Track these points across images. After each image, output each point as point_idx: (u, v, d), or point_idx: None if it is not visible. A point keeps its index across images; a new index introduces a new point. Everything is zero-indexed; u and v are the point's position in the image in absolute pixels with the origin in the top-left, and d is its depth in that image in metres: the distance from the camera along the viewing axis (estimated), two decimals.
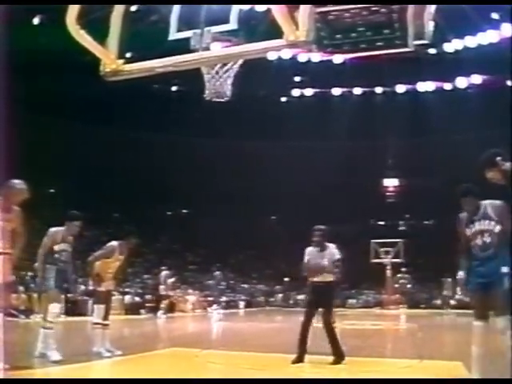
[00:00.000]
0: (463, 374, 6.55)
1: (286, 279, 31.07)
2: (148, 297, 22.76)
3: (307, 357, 7.89)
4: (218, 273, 19.52)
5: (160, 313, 19.13)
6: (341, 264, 7.99)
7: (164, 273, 19.88)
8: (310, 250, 7.86)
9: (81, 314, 16.78)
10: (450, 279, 27.32)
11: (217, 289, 19.70)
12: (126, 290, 22.52)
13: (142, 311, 21.52)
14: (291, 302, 30.32)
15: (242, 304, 27.72)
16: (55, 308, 7.45)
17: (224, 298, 28.25)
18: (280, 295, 31.32)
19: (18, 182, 6.44)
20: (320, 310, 8.25)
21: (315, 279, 7.76)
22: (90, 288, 10.68)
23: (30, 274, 20.34)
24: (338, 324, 8.79)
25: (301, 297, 27.32)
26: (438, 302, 29.38)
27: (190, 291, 24.99)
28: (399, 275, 28.61)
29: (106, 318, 8.17)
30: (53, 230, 7.66)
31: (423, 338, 13.19)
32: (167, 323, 17.20)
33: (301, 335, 7.63)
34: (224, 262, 31.89)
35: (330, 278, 7.75)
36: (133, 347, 9.14)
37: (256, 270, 32.10)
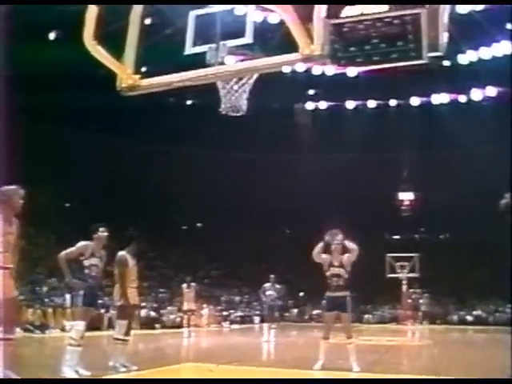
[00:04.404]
0: None
1: (301, 294, 30.88)
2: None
3: (324, 373, 7.82)
4: (267, 285, 16.40)
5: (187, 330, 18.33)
6: None
7: (185, 285, 19.28)
8: None
9: (95, 329, 16.77)
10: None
11: (272, 305, 16.40)
12: (142, 304, 22.52)
13: (157, 326, 21.48)
14: (306, 317, 30.09)
15: (256, 319, 27.56)
16: (80, 325, 7.42)
17: (239, 313, 28.15)
18: (295, 310, 31.10)
19: (16, 188, 5.98)
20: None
21: None
22: (113, 302, 10.46)
23: (44, 288, 20.51)
24: (354, 340, 8.69)
25: (316, 311, 27.16)
26: (455, 317, 29.05)
27: (205, 306, 24.93)
28: (415, 290, 28.30)
29: (127, 333, 8.12)
30: (82, 243, 7.67)
31: (439, 354, 13.03)
32: (183, 338, 17.15)
33: None
34: (238, 277, 31.84)
35: None
36: (148, 362, 9.11)
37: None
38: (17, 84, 13.08)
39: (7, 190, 5.90)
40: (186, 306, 18.74)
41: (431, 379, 6.36)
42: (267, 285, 16.30)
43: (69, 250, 7.57)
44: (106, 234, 7.78)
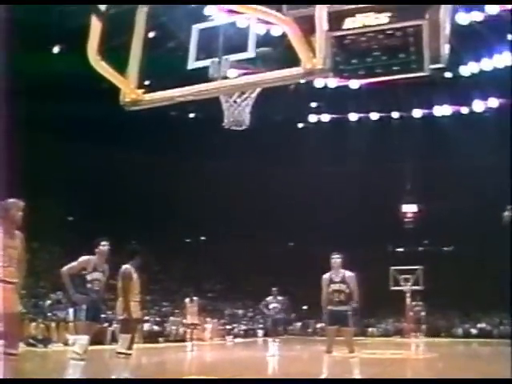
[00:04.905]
0: None
1: (304, 307, 30.76)
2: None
3: None
4: (270, 298, 15.94)
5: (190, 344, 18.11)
6: None
7: (188, 299, 19.13)
8: None
9: (98, 343, 16.67)
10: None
11: (277, 318, 15.90)
12: (145, 318, 22.46)
13: (161, 339, 21.39)
14: (310, 330, 29.94)
15: (260, 333, 27.46)
16: (83, 340, 7.40)
17: (243, 327, 28.02)
18: (299, 324, 30.96)
19: (15, 201, 5.89)
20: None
21: None
22: (116, 316, 10.41)
23: (48, 302, 20.48)
24: (358, 353, 8.63)
25: (320, 325, 27.03)
26: (459, 330, 28.90)
27: (208, 319, 24.83)
28: (419, 303, 28.13)
29: (130, 347, 8.09)
30: (84, 257, 7.69)
31: (443, 367, 12.95)
32: (186, 352, 17.07)
33: None
34: (241, 290, 31.73)
35: None
36: (152, 376, 9.07)
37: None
38: (18, 97, 13.16)
39: (5, 203, 5.83)
40: (189, 320, 18.65)
41: (431, 379, 6.31)
42: (270, 298, 16.01)
43: (71, 265, 7.58)
44: (107, 247, 7.79)
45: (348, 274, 8.52)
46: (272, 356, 14.87)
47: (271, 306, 15.88)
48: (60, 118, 23.69)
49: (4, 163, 6.13)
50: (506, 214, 5.91)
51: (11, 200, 5.89)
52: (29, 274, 6.08)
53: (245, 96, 5.13)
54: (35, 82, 20.27)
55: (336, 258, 8.58)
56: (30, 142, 20.51)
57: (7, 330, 5.57)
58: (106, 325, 17.78)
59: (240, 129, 5.30)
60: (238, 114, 5.15)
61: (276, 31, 16.10)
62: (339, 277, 8.48)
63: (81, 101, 22.44)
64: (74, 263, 7.61)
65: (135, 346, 8.52)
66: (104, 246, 7.76)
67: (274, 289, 16.11)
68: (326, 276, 8.57)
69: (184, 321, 19.33)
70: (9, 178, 6.03)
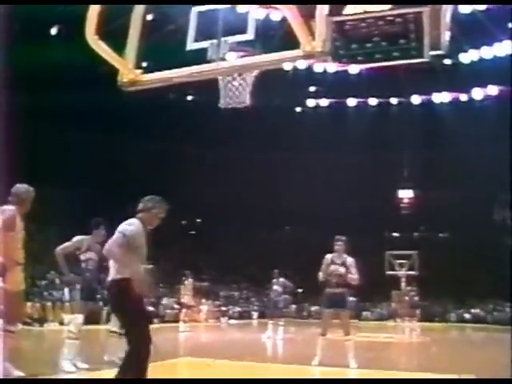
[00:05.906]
0: None
1: (299, 290, 30.88)
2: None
3: (321, 369, 7.84)
4: (274, 280, 16.17)
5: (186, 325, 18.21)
6: None
7: (183, 280, 19.21)
8: None
9: (94, 322, 16.70)
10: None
11: (277, 300, 16.15)
12: None
13: (155, 320, 21.47)
14: (305, 313, 30.12)
15: (255, 315, 27.66)
16: (78, 319, 7.47)
17: (238, 309, 28.18)
18: (294, 306, 31.12)
19: (28, 188, 6.22)
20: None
21: None
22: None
23: (44, 282, 20.52)
24: (353, 336, 8.70)
25: (314, 308, 27.23)
26: (453, 315, 29.15)
27: (204, 301, 24.96)
28: (413, 288, 28.30)
29: None
30: (78, 237, 7.71)
31: (437, 351, 13.07)
32: (181, 333, 17.16)
33: None
34: (237, 272, 31.86)
35: None
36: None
37: (269, 281, 32.00)
38: (17, 84, 13.06)
39: (24, 192, 6.09)
40: (184, 301, 18.77)
41: (431, 379, 6.39)
42: (274, 280, 16.14)
43: (65, 245, 7.61)
44: (104, 234, 7.77)
45: (349, 259, 8.58)
46: (268, 338, 15.00)
47: (274, 288, 16.13)
48: (57, 105, 23.53)
49: (3, 149, 6.27)
50: (497, 216, 5.94)
51: (23, 186, 6.13)
52: (26, 254, 6.20)
53: (243, 76, 5.11)
54: (32, 69, 20.04)
55: (339, 245, 8.62)
56: (27, 127, 20.46)
57: (9, 308, 5.70)
58: (101, 304, 17.83)
59: (239, 106, 5.28)
60: (238, 94, 5.12)
61: (275, 15, 16.00)
62: (340, 260, 8.54)
63: (76, 87, 22.26)
64: (67, 243, 7.64)
65: None
66: (103, 229, 7.76)
67: (275, 271, 16.23)
68: (328, 256, 8.63)
69: (182, 300, 19.46)
70: (9, 162, 6.15)
